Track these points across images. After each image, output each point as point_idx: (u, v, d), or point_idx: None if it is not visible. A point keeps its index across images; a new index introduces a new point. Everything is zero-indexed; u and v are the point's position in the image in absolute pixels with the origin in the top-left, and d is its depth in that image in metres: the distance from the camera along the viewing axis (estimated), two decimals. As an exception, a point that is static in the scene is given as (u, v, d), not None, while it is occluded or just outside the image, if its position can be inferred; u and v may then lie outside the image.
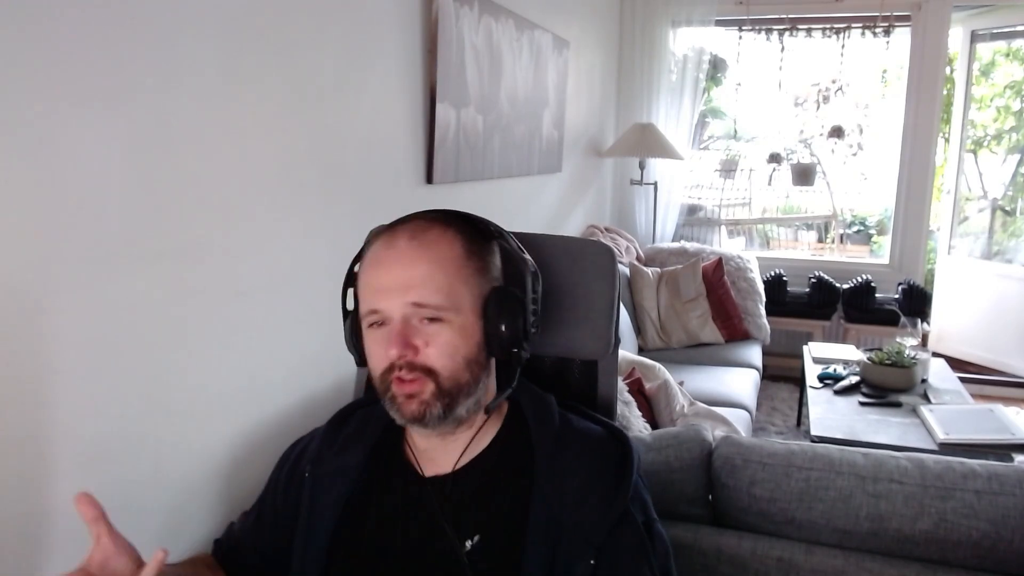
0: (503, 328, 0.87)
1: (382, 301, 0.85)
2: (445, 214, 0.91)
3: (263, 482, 1.07)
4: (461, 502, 0.90)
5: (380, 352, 0.86)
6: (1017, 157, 4.78)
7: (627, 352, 2.77)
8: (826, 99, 5.76)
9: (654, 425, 2.31)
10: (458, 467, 0.92)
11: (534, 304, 0.91)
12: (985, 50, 4.90)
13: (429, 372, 0.85)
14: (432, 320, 0.85)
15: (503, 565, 0.86)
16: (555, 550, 0.85)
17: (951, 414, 2.53)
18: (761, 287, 3.96)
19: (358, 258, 0.93)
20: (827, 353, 3.33)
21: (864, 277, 4.18)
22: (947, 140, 4.76)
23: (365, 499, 0.94)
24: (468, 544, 0.88)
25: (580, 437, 0.92)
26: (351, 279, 0.94)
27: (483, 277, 0.89)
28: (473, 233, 0.91)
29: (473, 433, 0.92)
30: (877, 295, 4.12)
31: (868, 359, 2.91)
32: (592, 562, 0.84)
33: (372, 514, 0.93)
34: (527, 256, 0.92)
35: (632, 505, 0.88)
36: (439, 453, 0.93)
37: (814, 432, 2.48)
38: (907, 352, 2.89)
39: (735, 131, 7.00)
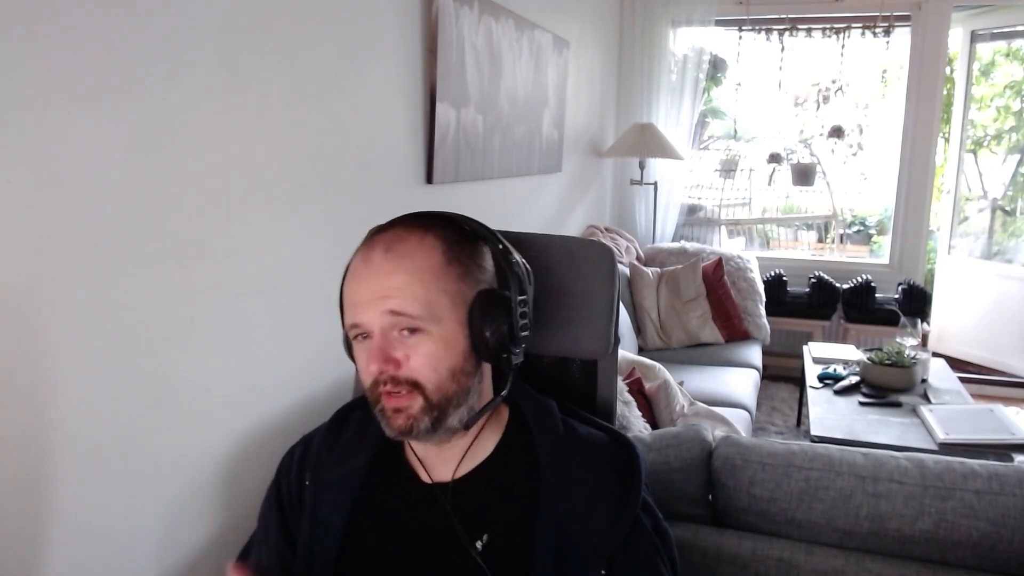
0: (488, 333, 0.85)
1: (361, 315, 0.84)
2: (427, 218, 0.89)
3: (263, 482, 1.06)
4: (467, 509, 0.89)
5: (364, 366, 0.85)
6: (1017, 157, 4.78)
7: (627, 352, 2.77)
8: (826, 99, 5.76)
9: (654, 425, 2.31)
10: (462, 474, 0.91)
11: (524, 306, 0.89)
12: (985, 50, 4.90)
13: (415, 385, 0.83)
14: (412, 331, 0.83)
15: (511, 569, 0.86)
16: (563, 561, 0.85)
17: (951, 414, 2.53)
18: (761, 287, 3.96)
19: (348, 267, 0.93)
20: (827, 353, 3.33)
21: (864, 277, 4.18)
22: (947, 140, 4.76)
23: (369, 506, 0.93)
24: (479, 544, 0.87)
25: (586, 446, 0.91)
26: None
27: (466, 282, 0.87)
28: (457, 237, 0.89)
29: (469, 441, 0.91)
30: (877, 295, 4.12)
31: (868, 359, 2.91)
32: (603, 572, 0.84)
33: (377, 521, 0.92)
34: (517, 257, 0.90)
35: (642, 513, 0.88)
36: (438, 461, 0.92)
37: (814, 432, 2.48)
38: (907, 352, 2.89)
39: (735, 131, 7.00)
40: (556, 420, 0.93)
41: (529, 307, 0.90)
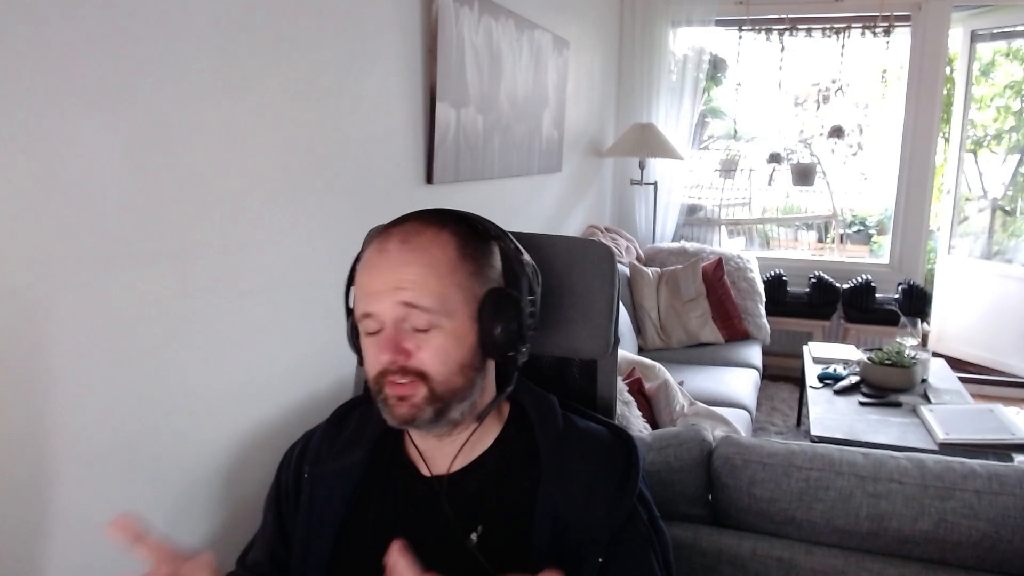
0: (498, 331, 0.86)
1: (374, 304, 0.85)
2: (441, 214, 0.90)
3: (263, 482, 1.07)
4: (464, 501, 0.90)
5: (373, 357, 0.86)
6: (1017, 157, 4.78)
7: (627, 352, 2.77)
8: (826, 99, 5.75)
9: (654, 425, 2.31)
10: (460, 467, 0.92)
11: (532, 306, 0.90)
12: (985, 50, 4.90)
13: (422, 376, 0.84)
14: (423, 331, 0.84)
15: (509, 559, 0.87)
16: (562, 548, 0.86)
17: (951, 414, 2.54)
18: (761, 287, 3.96)
19: (358, 258, 0.93)
20: (827, 353, 3.33)
21: (864, 277, 4.18)
22: (947, 140, 4.76)
23: (367, 499, 0.94)
24: (473, 536, 0.88)
25: (584, 438, 0.93)
26: (352, 278, 0.94)
27: (478, 279, 0.88)
28: (470, 234, 0.90)
29: (468, 435, 0.92)
30: (877, 295, 4.12)
31: (868, 359, 2.91)
32: (600, 560, 0.85)
33: (374, 514, 0.93)
34: (526, 257, 0.91)
35: (638, 504, 0.89)
36: (437, 453, 0.93)
37: (814, 432, 2.48)
38: (907, 352, 2.89)
39: (735, 131, 7.00)
40: (556, 414, 0.94)
41: (537, 307, 0.92)
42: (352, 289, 0.92)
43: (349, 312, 0.94)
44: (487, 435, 0.94)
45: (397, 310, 0.84)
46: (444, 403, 0.85)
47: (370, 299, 0.85)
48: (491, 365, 0.93)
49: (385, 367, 0.84)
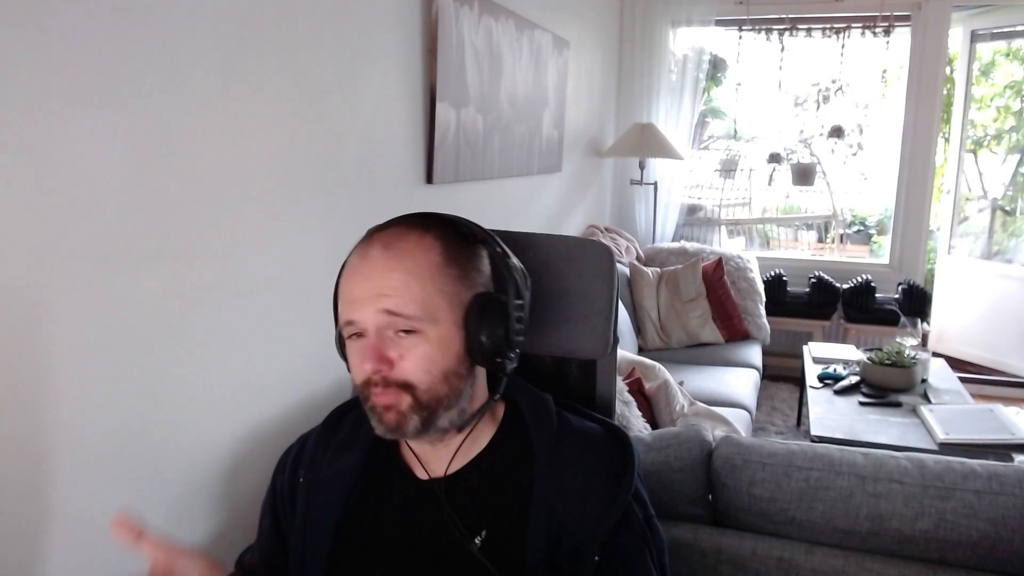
0: (483, 338, 0.85)
1: (356, 312, 0.84)
2: (426, 218, 0.89)
3: (262, 483, 1.07)
4: (461, 503, 0.90)
5: (358, 365, 0.85)
6: (1017, 157, 4.78)
7: (627, 352, 2.77)
8: (826, 99, 5.74)
9: (654, 425, 2.31)
10: (456, 469, 0.92)
11: (520, 311, 0.88)
12: (985, 50, 4.90)
13: (405, 386, 0.83)
14: (408, 332, 0.83)
15: (509, 562, 0.86)
16: (558, 547, 0.86)
17: (951, 414, 2.54)
18: (761, 287, 3.96)
19: (345, 264, 0.93)
20: (827, 353, 3.33)
21: (864, 277, 4.18)
22: (947, 140, 4.76)
23: (363, 502, 0.94)
24: (478, 540, 0.87)
25: (579, 436, 0.92)
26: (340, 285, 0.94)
27: (463, 284, 0.86)
28: (456, 238, 0.88)
29: (463, 438, 0.91)
30: (877, 295, 4.12)
31: (868, 359, 2.91)
32: (596, 559, 0.85)
33: (370, 517, 0.93)
34: (515, 261, 0.90)
35: (634, 502, 0.89)
36: (432, 457, 0.92)
37: (814, 432, 2.48)
38: (907, 352, 2.89)
39: (735, 131, 6.99)
40: (551, 413, 0.93)
41: (525, 312, 0.90)
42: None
43: (337, 320, 0.93)
44: (482, 436, 0.93)
45: (379, 318, 0.82)
46: (430, 411, 0.84)
47: (352, 307, 0.84)
48: (481, 372, 0.92)
49: (368, 377, 0.84)
